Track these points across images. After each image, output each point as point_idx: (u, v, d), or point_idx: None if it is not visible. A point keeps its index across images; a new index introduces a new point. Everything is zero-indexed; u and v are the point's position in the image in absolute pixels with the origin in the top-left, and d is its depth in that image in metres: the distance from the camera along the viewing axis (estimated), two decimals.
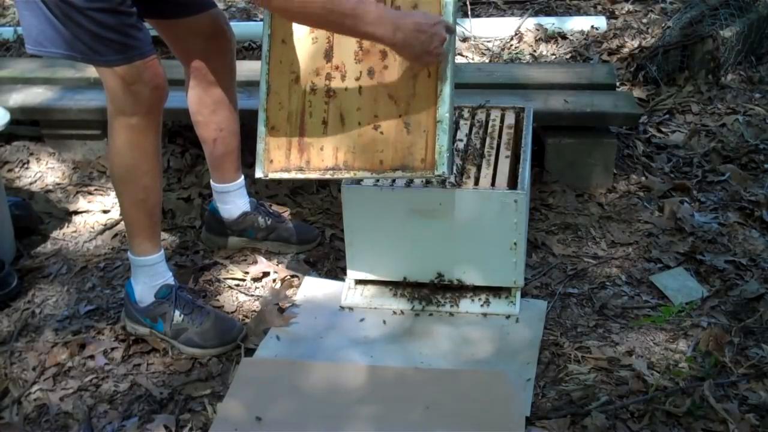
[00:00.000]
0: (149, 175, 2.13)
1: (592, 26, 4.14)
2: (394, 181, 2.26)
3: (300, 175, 2.05)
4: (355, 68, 2.01)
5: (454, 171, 2.28)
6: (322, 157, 2.03)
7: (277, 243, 2.61)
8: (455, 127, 2.47)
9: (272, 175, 2.07)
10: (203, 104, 2.39)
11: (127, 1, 1.94)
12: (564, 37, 4.08)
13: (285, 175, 2.06)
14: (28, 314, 2.39)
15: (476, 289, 2.31)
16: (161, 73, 2.04)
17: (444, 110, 1.94)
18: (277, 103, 2.05)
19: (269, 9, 1.93)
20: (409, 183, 2.24)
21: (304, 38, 2.03)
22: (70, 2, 1.89)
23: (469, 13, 4.23)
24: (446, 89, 1.94)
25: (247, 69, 2.85)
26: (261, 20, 4.59)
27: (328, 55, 2.02)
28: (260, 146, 2.06)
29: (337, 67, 2.02)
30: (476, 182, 2.26)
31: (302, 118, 2.04)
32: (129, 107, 2.03)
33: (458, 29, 4.10)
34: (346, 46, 2.01)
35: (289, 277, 2.49)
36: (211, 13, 2.28)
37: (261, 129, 2.06)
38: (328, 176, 2.03)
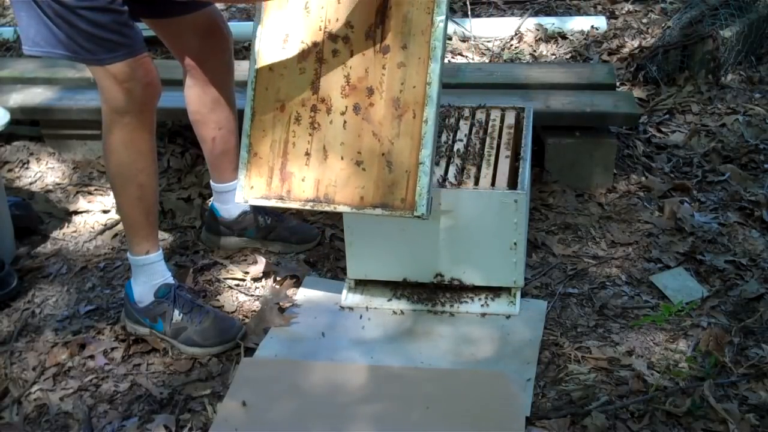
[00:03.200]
0: (145, 174, 2.13)
1: (592, 26, 4.14)
2: None
3: (280, 204, 2.09)
4: (341, 103, 2.02)
5: (455, 170, 2.28)
6: (303, 188, 2.06)
7: (276, 242, 2.61)
8: (456, 127, 2.47)
9: (252, 202, 2.11)
10: (202, 103, 2.39)
11: None
12: (564, 37, 4.08)
13: (265, 203, 2.10)
14: (28, 314, 2.39)
15: (476, 289, 2.31)
16: (153, 72, 2.05)
17: (426, 153, 1.96)
18: (261, 130, 2.08)
19: None
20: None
21: (291, 68, 2.06)
22: (62, 1, 1.90)
23: (469, 13, 4.23)
24: (430, 132, 1.96)
25: (246, 69, 2.84)
26: None
27: (315, 86, 2.04)
28: (242, 172, 2.10)
29: (323, 100, 2.04)
30: (476, 182, 2.26)
31: (285, 147, 2.06)
32: (122, 105, 2.03)
33: (458, 29, 4.11)
34: (334, 79, 2.03)
35: (289, 277, 2.49)
36: (208, 12, 2.28)
37: (243, 155, 2.09)
38: (308, 207, 2.06)
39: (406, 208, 1.99)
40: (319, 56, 2.03)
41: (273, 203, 2.09)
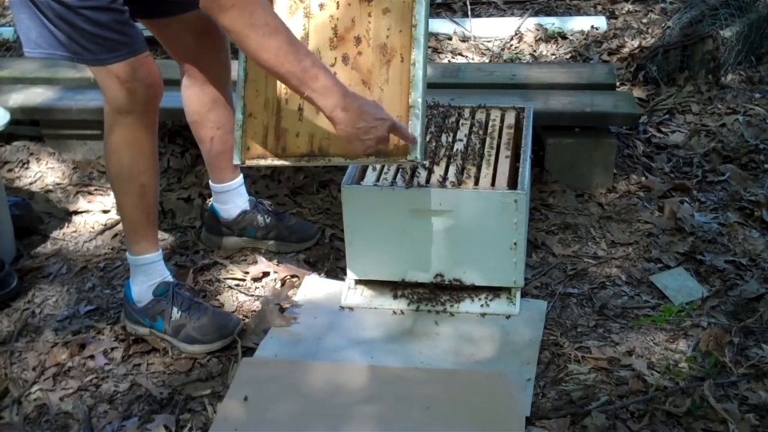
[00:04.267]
0: (146, 174, 2.13)
1: (592, 26, 4.14)
2: (394, 180, 2.26)
3: (276, 162, 2.06)
4: (330, 55, 2.02)
5: (455, 170, 2.28)
6: (297, 143, 2.03)
7: (276, 242, 2.60)
8: (456, 127, 2.47)
9: (249, 162, 2.07)
10: (200, 103, 2.39)
11: None
12: (564, 37, 4.08)
13: (262, 162, 2.07)
14: (28, 314, 2.39)
15: (476, 289, 2.31)
16: (156, 71, 2.04)
17: (416, 95, 1.95)
18: (254, 90, 2.06)
19: (237, 43, 1.87)
20: (409, 184, 2.24)
21: None
22: (63, 2, 1.90)
23: (469, 13, 4.23)
24: (418, 74, 1.95)
25: None
26: None
27: (304, 42, 2.03)
28: (237, 133, 2.07)
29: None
30: (476, 182, 2.26)
31: (278, 104, 2.05)
32: (125, 105, 2.03)
33: (458, 29, 4.12)
34: (322, 33, 2.02)
35: (289, 277, 2.49)
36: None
37: (238, 116, 2.07)
38: (303, 163, 2.03)
39: (399, 154, 1.96)
40: (306, 11, 2.03)
41: (269, 162, 2.06)
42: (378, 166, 2.31)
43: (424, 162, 1.99)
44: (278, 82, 2.02)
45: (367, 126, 1.83)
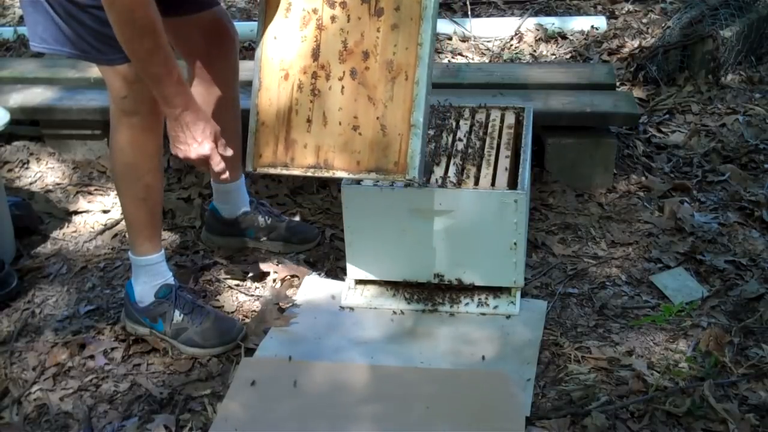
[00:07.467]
0: (151, 175, 2.13)
1: (592, 26, 4.15)
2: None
3: (285, 171, 2.10)
4: (339, 68, 2.03)
5: (455, 170, 2.28)
6: (305, 154, 2.07)
7: (277, 242, 2.61)
8: (456, 127, 2.48)
9: (260, 170, 2.12)
10: (205, 103, 2.38)
11: None
12: (564, 37, 4.08)
13: (271, 170, 2.12)
14: (28, 314, 2.39)
15: (476, 289, 2.31)
16: None
17: (418, 114, 1.96)
18: (267, 99, 2.09)
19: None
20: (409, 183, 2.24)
21: (293, 36, 2.06)
22: (74, 0, 1.89)
23: (469, 13, 4.23)
24: (421, 93, 1.96)
25: (247, 69, 2.85)
26: None
27: (315, 54, 2.05)
28: (250, 140, 2.11)
29: (322, 66, 2.04)
30: (476, 182, 2.26)
31: (289, 115, 2.08)
32: (131, 106, 2.03)
33: (458, 29, 4.11)
34: (332, 45, 2.03)
35: (289, 277, 2.49)
36: (215, 12, 2.27)
37: (252, 124, 2.11)
38: (309, 174, 2.07)
39: (398, 172, 1.99)
40: (318, 23, 2.04)
41: (279, 171, 2.11)
42: None
43: (421, 181, 2.03)
44: (290, 93, 2.06)
45: (192, 138, 1.93)
